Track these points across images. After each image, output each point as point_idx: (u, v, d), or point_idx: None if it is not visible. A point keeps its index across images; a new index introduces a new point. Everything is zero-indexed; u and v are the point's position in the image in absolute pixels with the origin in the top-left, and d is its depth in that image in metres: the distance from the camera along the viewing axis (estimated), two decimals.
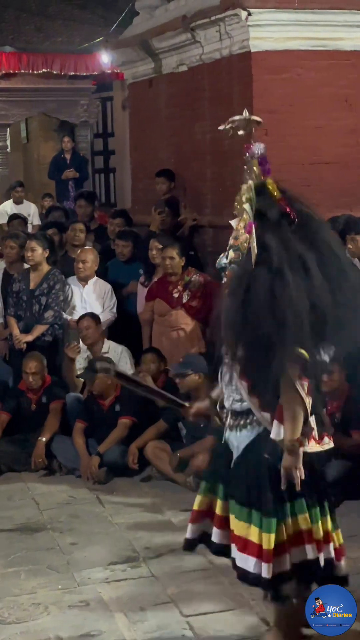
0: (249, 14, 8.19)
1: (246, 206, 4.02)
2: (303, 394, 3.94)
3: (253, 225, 3.97)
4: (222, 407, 4.36)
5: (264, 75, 8.41)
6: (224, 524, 4.39)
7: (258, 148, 4.06)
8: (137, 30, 10.47)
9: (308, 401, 3.96)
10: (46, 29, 17.28)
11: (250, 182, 4.04)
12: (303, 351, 3.88)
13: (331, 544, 4.21)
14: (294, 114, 8.39)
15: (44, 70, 16.62)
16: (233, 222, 4.15)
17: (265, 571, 4.09)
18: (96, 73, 16.79)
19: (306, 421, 4.00)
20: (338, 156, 8.55)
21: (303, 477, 4.03)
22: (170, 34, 9.40)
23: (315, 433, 4.10)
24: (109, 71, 15.72)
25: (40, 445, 7.66)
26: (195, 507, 4.57)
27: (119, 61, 11.29)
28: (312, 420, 4.06)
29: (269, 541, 4.09)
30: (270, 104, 8.36)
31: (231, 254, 4.05)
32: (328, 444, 4.19)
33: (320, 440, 4.14)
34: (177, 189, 9.71)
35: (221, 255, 4.21)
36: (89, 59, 16.63)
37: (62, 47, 17.03)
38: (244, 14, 8.19)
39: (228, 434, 4.31)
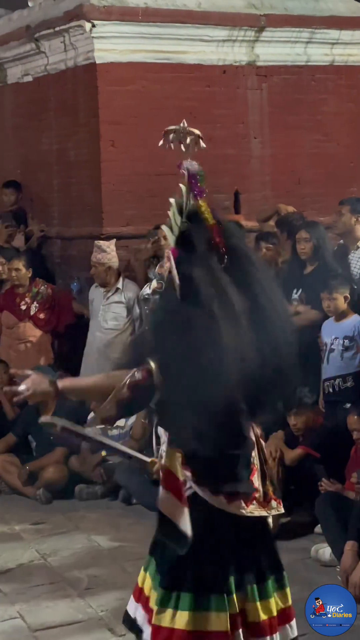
0: (93, 26, 8.21)
1: (165, 228, 3.37)
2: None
3: (173, 252, 3.30)
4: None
5: (109, 87, 8.44)
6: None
7: (189, 164, 3.35)
8: None
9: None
10: None
11: (172, 200, 3.34)
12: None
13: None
14: (139, 125, 8.45)
15: None
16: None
17: None
18: None
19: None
20: None
21: None
22: (14, 44, 9.32)
23: (259, 495, 3.36)
24: None
25: None
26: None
27: None
28: (255, 479, 3.36)
29: None
30: (115, 115, 8.40)
31: (154, 283, 3.52)
32: (276, 508, 3.43)
33: (266, 503, 3.40)
34: (24, 200, 9.63)
35: (145, 286, 3.54)
36: None
37: None
38: (88, 25, 8.20)
39: None
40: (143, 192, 8.50)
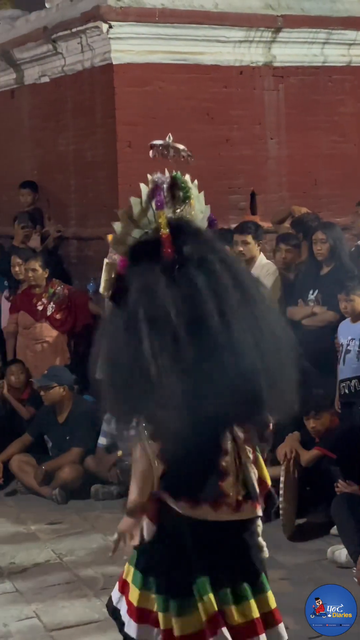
0: (110, 27, 8.22)
1: (111, 239, 3.39)
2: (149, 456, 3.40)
3: (121, 262, 3.33)
4: None
5: (125, 88, 8.45)
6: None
7: (157, 177, 3.38)
8: None
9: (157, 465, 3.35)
10: None
11: (121, 211, 3.37)
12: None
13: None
14: (156, 126, 8.43)
15: None
16: None
17: None
18: None
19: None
20: (199, 168, 8.61)
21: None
22: (32, 45, 9.35)
23: (231, 499, 3.31)
24: None
25: None
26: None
27: None
28: (226, 484, 3.30)
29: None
30: (132, 116, 8.41)
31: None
32: (248, 512, 3.36)
33: (238, 507, 3.34)
34: (41, 200, 9.66)
35: None
36: None
37: None
38: (105, 26, 8.22)
39: None
40: None
